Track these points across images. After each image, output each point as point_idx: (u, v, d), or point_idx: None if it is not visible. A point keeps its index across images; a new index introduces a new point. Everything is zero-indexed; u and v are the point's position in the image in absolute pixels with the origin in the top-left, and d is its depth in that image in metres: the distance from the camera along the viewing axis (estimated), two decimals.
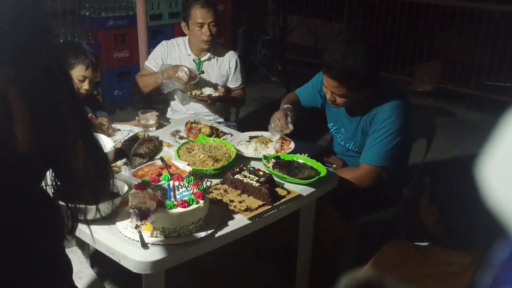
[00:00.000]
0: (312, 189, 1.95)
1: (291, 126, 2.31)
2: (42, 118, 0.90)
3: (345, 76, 2.07)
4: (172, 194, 1.59)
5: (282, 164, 1.98)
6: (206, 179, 1.71)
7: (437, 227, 1.42)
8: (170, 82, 2.72)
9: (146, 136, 2.27)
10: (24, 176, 0.96)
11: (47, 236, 1.04)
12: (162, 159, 2.00)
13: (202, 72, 2.92)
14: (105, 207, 1.61)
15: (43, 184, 1.04)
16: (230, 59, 3.01)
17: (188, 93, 2.79)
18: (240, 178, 1.90)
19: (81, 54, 2.35)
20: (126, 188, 1.76)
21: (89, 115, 2.44)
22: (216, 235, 1.60)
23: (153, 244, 1.51)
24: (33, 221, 1.00)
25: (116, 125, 2.47)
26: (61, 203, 1.06)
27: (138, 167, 1.94)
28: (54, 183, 1.02)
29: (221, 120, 3.06)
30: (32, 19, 0.90)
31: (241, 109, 3.40)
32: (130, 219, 1.61)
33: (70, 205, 1.06)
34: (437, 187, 1.46)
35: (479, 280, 1.17)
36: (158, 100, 4.07)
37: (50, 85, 0.91)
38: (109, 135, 2.31)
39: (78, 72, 2.35)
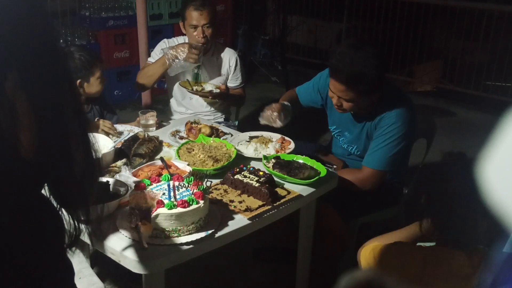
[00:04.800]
0: (312, 189, 1.95)
1: (279, 123, 2.32)
2: (47, 124, 0.90)
3: (353, 80, 2.06)
4: (172, 194, 1.59)
5: (282, 164, 1.98)
6: (206, 179, 1.71)
7: (436, 230, 1.42)
8: (178, 63, 2.70)
9: (146, 136, 2.27)
10: (27, 181, 0.96)
11: (49, 241, 1.04)
12: (162, 159, 2.00)
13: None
14: (112, 206, 1.63)
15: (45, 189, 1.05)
16: (230, 58, 3.01)
17: (189, 89, 2.79)
18: (240, 178, 1.90)
19: (89, 57, 2.39)
20: (126, 188, 1.76)
21: (96, 119, 2.46)
22: (216, 235, 1.60)
23: (153, 244, 1.51)
24: (34, 226, 1.00)
25: (117, 126, 2.48)
26: (64, 209, 1.06)
27: (138, 167, 1.94)
28: (52, 187, 1.02)
29: (221, 120, 3.06)
30: (38, 25, 0.90)
31: (241, 109, 3.39)
32: (130, 219, 1.61)
33: (71, 210, 1.06)
34: (436, 187, 1.46)
35: (480, 280, 1.18)
36: (158, 100, 4.07)
37: (55, 90, 0.91)
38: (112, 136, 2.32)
39: (98, 72, 2.42)
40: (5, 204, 0.93)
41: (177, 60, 2.69)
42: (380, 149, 2.18)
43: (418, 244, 1.68)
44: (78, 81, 2.35)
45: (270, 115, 2.32)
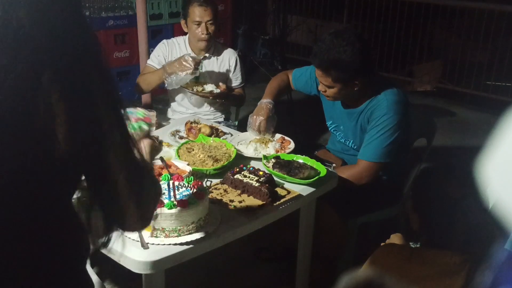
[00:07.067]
0: (312, 189, 1.95)
1: (270, 133, 2.40)
2: (80, 120, 0.85)
3: (327, 66, 2.11)
4: (172, 194, 1.59)
5: (282, 164, 1.98)
6: (206, 179, 1.71)
7: (421, 231, 1.43)
8: (175, 78, 2.69)
9: None
10: (57, 183, 0.90)
11: (70, 253, 0.99)
12: (162, 159, 2.00)
13: (205, 57, 2.90)
14: None
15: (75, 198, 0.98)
16: (230, 57, 3.01)
17: (190, 89, 2.79)
18: (240, 178, 1.90)
19: None
20: None
21: None
22: (216, 235, 1.60)
23: (153, 244, 1.51)
24: (58, 235, 0.95)
25: None
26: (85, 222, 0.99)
27: None
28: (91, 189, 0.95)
29: (221, 120, 3.06)
30: (72, 21, 0.86)
31: (241, 109, 3.39)
32: None
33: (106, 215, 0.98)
34: (436, 187, 1.47)
35: (477, 279, 1.18)
36: (158, 100, 4.07)
37: (88, 85, 0.86)
38: None
39: None
40: (32, 208, 0.87)
41: (174, 75, 2.67)
42: (374, 141, 2.19)
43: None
44: None
45: (257, 127, 2.38)
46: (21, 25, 0.80)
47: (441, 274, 1.31)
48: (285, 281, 2.44)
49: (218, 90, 2.79)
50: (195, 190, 1.61)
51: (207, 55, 2.96)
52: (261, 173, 1.92)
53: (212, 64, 2.98)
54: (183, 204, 1.54)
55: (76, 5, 0.88)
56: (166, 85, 2.74)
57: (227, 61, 3.00)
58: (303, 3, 6.80)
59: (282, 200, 1.84)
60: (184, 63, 2.62)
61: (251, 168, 1.96)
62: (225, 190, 1.89)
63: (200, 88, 2.80)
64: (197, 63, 2.66)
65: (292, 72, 2.65)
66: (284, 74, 2.67)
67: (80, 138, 0.86)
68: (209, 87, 2.82)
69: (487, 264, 1.20)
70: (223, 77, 3.00)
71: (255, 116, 2.40)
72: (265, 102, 2.45)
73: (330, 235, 2.30)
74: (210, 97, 2.84)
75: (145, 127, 1.40)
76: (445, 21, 5.76)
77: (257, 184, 1.84)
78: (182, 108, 3.04)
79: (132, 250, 1.49)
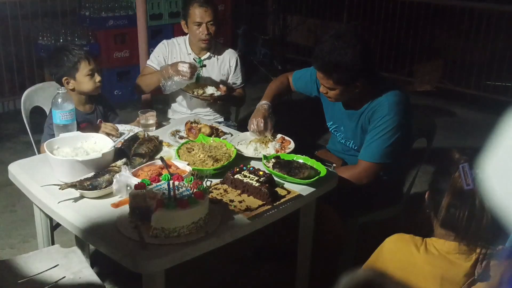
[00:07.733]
0: (312, 189, 1.95)
1: (270, 132, 2.38)
2: None
3: (328, 69, 2.11)
4: (172, 194, 1.59)
5: (282, 164, 1.98)
6: (206, 179, 1.71)
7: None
8: (173, 82, 2.69)
9: (146, 136, 2.27)
10: None
11: None
12: (162, 159, 2.00)
13: (204, 65, 2.91)
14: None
15: None
16: (231, 58, 3.01)
17: (190, 92, 2.79)
18: (240, 178, 1.90)
19: (74, 52, 2.35)
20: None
21: (99, 120, 2.46)
22: (216, 235, 1.60)
23: (153, 244, 1.51)
24: None
25: (117, 126, 2.48)
26: None
27: (138, 167, 1.94)
28: None
29: (221, 120, 3.06)
30: None
31: (241, 109, 3.39)
32: (130, 219, 1.61)
33: None
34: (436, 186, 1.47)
35: (483, 272, 1.19)
36: (158, 100, 4.07)
37: None
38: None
39: (84, 69, 2.35)
40: None
41: (171, 80, 2.66)
42: (375, 141, 2.18)
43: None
44: (64, 78, 2.34)
45: (256, 128, 2.35)
46: None
47: (449, 263, 1.32)
48: (285, 281, 2.44)
49: (218, 93, 2.79)
50: (195, 190, 1.61)
51: (207, 54, 2.95)
52: (261, 173, 1.92)
53: (213, 64, 2.98)
54: (183, 204, 1.54)
55: None
56: (162, 89, 2.74)
57: (227, 61, 3.00)
58: (303, 3, 6.80)
59: (282, 200, 1.84)
60: (180, 69, 2.62)
61: (251, 168, 1.96)
62: (225, 190, 1.89)
63: (200, 91, 2.80)
64: (194, 70, 2.66)
65: (292, 74, 2.65)
66: (284, 76, 2.67)
67: None
68: (210, 90, 2.81)
69: (491, 259, 1.21)
70: (224, 78, 2.99)
71: (253, 119, 2.40)
72: (262, 104, 2.46)
73: (330, 235, 2.30)
74: (211, 100, 2.84)
75: None
76: (445, 21, 5.75)
77: (257, 184, 1.84)
78: (183, 109, 3.04)
79: (132, 250, 1.50)
